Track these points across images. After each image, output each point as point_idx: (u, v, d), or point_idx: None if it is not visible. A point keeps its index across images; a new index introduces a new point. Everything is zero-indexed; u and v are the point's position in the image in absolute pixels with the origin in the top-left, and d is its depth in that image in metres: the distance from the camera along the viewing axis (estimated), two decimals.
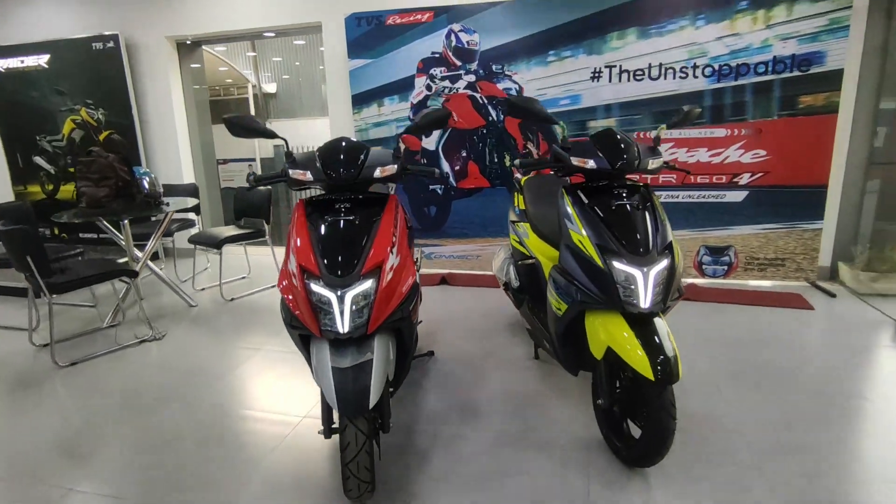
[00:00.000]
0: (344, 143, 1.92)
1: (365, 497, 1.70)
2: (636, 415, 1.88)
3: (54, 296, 2.86)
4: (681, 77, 3.64)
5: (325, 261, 1.71)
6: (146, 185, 3.53)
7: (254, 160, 9.27)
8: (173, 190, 4.49)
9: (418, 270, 2.94)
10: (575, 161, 2.00)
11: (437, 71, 4.04)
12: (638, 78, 3.70)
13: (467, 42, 3.93)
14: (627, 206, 1.94)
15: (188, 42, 4.98)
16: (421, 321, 2.87)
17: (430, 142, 4.19)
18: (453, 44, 3.96)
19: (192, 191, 4.54)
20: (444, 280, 4.15)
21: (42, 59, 5.02)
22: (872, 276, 3.54)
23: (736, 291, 3.71)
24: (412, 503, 1.79)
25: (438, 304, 3.69)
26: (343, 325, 1.64)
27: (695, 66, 3.60)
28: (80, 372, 2.86)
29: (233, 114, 1.97)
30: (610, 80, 3.75)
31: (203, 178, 5.42)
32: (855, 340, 2.93)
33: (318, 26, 4.43)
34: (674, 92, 3.67)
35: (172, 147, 5.03)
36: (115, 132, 4.98)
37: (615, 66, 3.72)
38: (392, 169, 1.92)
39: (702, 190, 3.79)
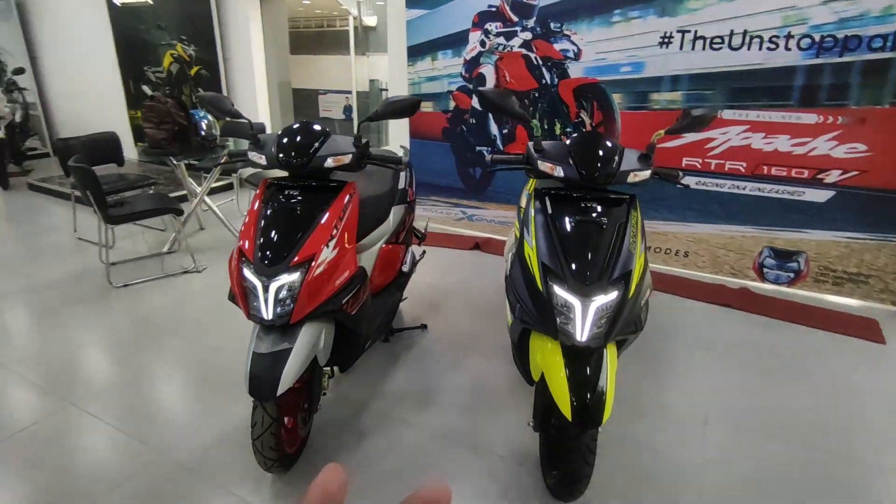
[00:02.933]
0: (302, 129, 1.90)
1: (275, 470, 1.83)
2: None
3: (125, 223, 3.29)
4: (769, 48, 3.05)
5: (261, 247, 1.76)
6: (203, 128, 3.80)
7: (350, 93, 9.55)
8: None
9: (422, 239, 2.92)
10: (542, 166, 1.81)
11: (493, 26, 3.76)
12: (715, 46, 3.16)
13: None
14: (592, 223, 1.73)
15: None
16: (406, 297, 2.87)
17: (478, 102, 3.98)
18: None
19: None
20: (476, 245, 4.08)
21: None
22: None
23: (795, 306, 3.24)
24: None
25: (461, 272, 3.65)
26: (267, 312, 1.71)
27: (789, 36, 2.99)
28: (128, 294, 3.29)
29: (209, 93, 2.02)
30: (681, 48, 3.24)
31: (278, 108, 5.67)
32: None
33: None
34: (758, 66, 3.10)
35: (250, 86, 5.30)
36: (203, 68, 5.35)
37: (689, 31, 3.20)
38: (346, 158, 1.88)
39: (776, 184, 3.26)
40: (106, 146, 4.16)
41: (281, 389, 1.66)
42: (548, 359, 1.69)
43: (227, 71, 5.33)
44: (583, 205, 1.78)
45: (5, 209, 5.08)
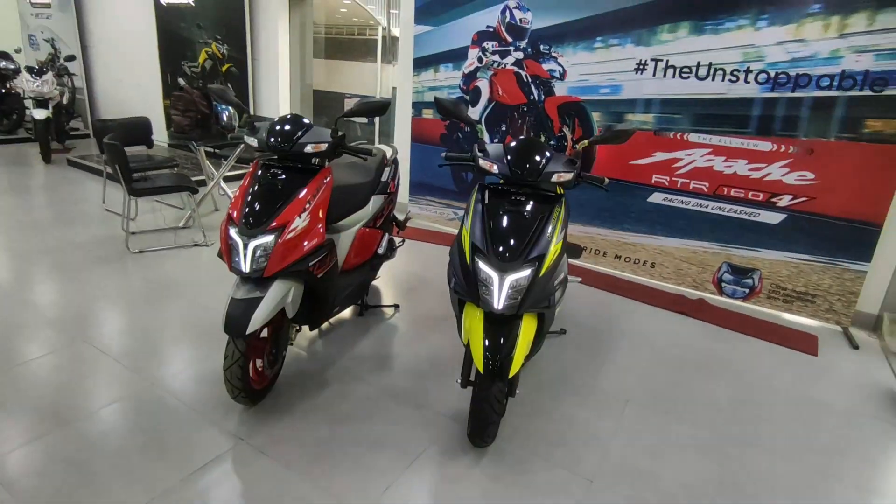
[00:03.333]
0: (290, 120, 2.28)
1: (241, 399, 2.18)
2: None
3: (152, 197, 3.74)
4: (730, 80, 3.34)
5: (245, 213, 2.13)
6: (224, 119, 4.24)
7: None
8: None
9: (402, 228, 3.28)
10: (483, 163, 2.15)
11: (490, 45, 4.13)
12: (684, 76, 3.47)
13: (520, 19, 3.95)
14: (518, 213, 2.06)
15: None
16: (379, 276, 3.23)
17: (475, 112, 4.35)
18: (507, 20, 4.00)
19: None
20: None
21: None
22: None
23: (744, 318, 3.48)
24: (284, 419, 2.24)
25: (442, 264, 3.94)
26: (245, 265, 2.08)
27: (748, 71, 3.28)
28: (143, 259, 3.71)
29: (216, 85, 2.42)
30: (654, 75, 3.56)
31: (298, 107, 6.11)
32: (827, 398, 2.70)
33: None
34: (720, 95, 3.40)
35: (274, 85, 5.77)
36: (234, 66, 5.84)
37: (661, 60, 3.51)
38: (322, 146, 2.25)
39: (735, 204, 3.52)
40: (138, 129, 4.62)
41: (250, 329, 2.01)
42: (472, 323, 2.02)
43: (254, 70, 5.82)
44: (514, 198, 2.11)
45: (45, 181, 5.62)
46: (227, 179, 4.92)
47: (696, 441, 2.30)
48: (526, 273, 1.95)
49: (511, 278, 1.93)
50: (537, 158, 2.08)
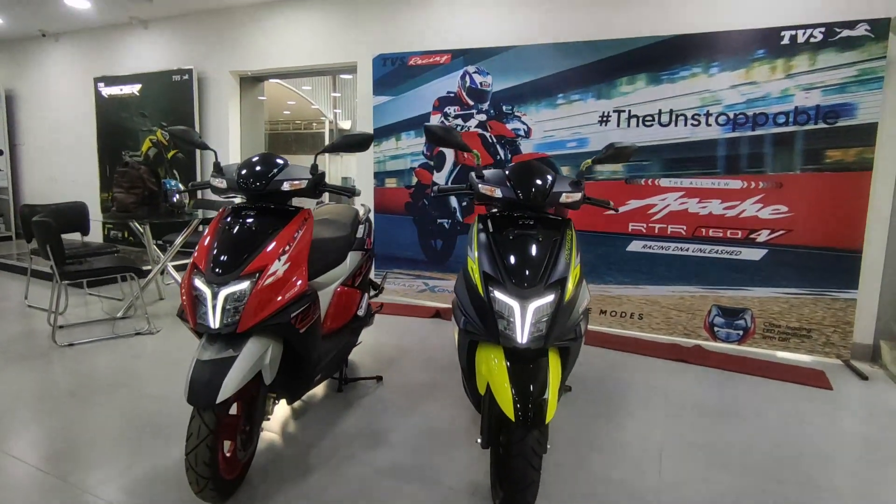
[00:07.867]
0: (262, 158, 2.04)
1: (208, 494, 1.71)
2: None
3: (86, 290, 3.23)
4: (692, 124, 3.44)
5: (214, 259, 1.81)
6: (175, 199, 3.92)
7: (349, 178, 10.37)
8: (214, 205, 4.91)
9: (379, 293, 2.98)
10: (483, 189, 1.97)
11: (451, 109, 4.15)
12: (647, 124, 3.55)
13: (480, 83, 4.02)
14: (529, 236, 1.85)
15: (249, 76, 5.54)
16: (360, 342, 2.87)
17: (441, 177, 4.27)
18: (467, 84, 4.07)
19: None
20: (437, 313, 4.12)
21: (135, 88, 5.83)
22: None
23: (746, 360, 3.32)
24: None
25: (420, 335, 3.65)
26: (214, 320, 1.72)
27: (708, 114, 3.40)
28: (71, 353, 3.17)
29: (177, 127, 2.17)
30: (618, 125, 3.63)
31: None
32: (865, 430, 2.49)
33: (354, 66, 4.76)
34: (685, 139, 3.48)
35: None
36: (180, 152, 5.61)
37: (624, 111, 3.61)
38: (302, 184, 2.00)
39: (714, 245, 3.49)
40: (73, 214, 4.20)
41: (221, 397, 1.62)
42: (492, 367, 1.72)
43: (203, 157, 5.60)
44: (521, 222, 1.91)
45: None
46: (176, 268, 4.49)
47: (749, 491, 1.99)
48: (549, 299, 1.70)
49: (534, 305, 1.68)
50: (542, 181, 1.92)
